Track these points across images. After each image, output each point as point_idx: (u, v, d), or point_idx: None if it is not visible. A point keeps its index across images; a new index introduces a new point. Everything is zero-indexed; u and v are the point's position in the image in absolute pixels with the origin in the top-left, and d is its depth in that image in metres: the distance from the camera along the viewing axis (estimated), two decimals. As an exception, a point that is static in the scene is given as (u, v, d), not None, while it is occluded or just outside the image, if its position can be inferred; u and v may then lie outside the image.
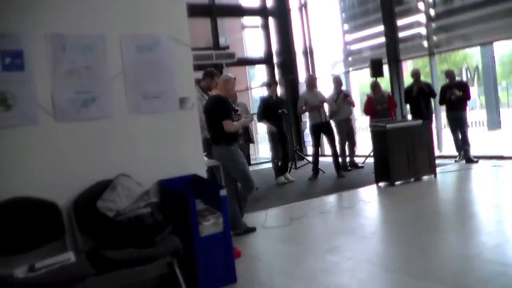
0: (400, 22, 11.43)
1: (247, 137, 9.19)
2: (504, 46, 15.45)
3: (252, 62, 14.94)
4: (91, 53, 4.31)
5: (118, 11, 4.45)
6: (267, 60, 13.87)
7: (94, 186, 4.14)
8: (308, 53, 13.81)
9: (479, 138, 11.32)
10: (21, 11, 3.99)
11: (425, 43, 11.05)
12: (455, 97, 9.34)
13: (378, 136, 8.21)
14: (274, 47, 13.90)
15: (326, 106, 9.89)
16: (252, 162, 13.60)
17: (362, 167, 10.36)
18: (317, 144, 9.94)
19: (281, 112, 9.39)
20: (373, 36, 12.27)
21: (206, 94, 6.85)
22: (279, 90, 12.83)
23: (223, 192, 4.41)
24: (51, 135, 4.07)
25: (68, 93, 4.17)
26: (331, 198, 7.78)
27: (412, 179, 8.18)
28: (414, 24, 11.36)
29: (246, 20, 15.14)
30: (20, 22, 3.98)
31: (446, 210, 6.33)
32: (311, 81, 9.95)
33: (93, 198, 4.02)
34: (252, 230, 6.13)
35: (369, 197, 7.45)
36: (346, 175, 9.60)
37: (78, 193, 4.06)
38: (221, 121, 5.76)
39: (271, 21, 13.97)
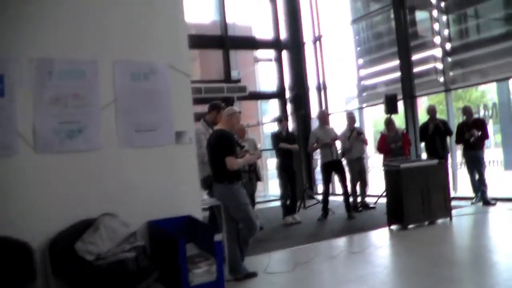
0: (415, 57, 11.11)
1: (255, 174, 8.78)
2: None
3: (264, 96, 14.60)
4: (80, 80, 4.00)
5: (112, 35, 4.15)
6: (279, 94, 13.54)
7: (75, 226, 3.78)
8: (322, 87, 13.49)
9: (496, 179, 10.81)
10: (6, 34, 3.68)
11: (441, 79, 10.68)
12: (475, 138, 8.90)
13: (392, 176, 7.77)
14: (287, 81, 13.59)
15: (338, 144, 9.48)
16: (261, 199, 13.19)
17: (373, 207, 9.87)
18: (327, 183, 9.51)
19: (292, 148, 9.00)
20: (388, 71, 11.94)
21: (212, 128, 6.47)
22: (290, 126, 12.51)
23: (218, 237, 4.01)
24: (30, 167, 3.73)
25: (52, 122, 3.84)
26: (340, 242, 7.31)
27: (426, 223, 7.69)
28: (429, 58, 11.02)
29: (260, 53, 14.86)
30: (3, 45, 3.68)
31: (463, 258, 5.83)
32: (323, 117, 9.58)
33: (72, 239, 3.66)
34: (253, 275, 5.69)
35: (380, 241, 6.98)
36: (356, 216, 9.12)
37: (56, 232, 3.68)
38: (223, 157, 5.38)
39: (284, 54, 13.71)
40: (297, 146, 9.15)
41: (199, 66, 14.55)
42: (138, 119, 4.18)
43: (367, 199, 10.29)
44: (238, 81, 12.90)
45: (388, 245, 6.81)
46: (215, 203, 5.68)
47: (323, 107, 13.27)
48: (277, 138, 9.21)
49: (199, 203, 4.48)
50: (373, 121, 15.60)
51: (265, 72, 14.69)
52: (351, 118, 9.97)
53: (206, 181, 6.14)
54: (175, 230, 4.22)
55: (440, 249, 6.22)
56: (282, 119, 9.40)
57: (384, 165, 8.23)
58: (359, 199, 10.09)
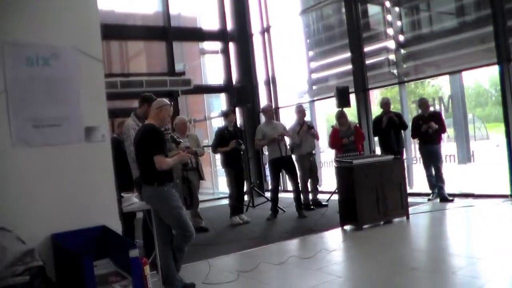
0: (367, 49, 10.62)
1: (197, 173, 8.08)
2: (469, 77, 14.79)
3: (211, 90, 13.83)
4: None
5: (1, 13, 3.37)
6: (226, 87, 12.83)
7: (-48, 246, 3.00)
8: (271, 80, 12.86)
9: (451, 174, 10.47)
10: None
11: (395, 71, 10.23)
12: (432, 130, 8.43)
13: (344, 173, 7.21)
14: (235, 74, 12.91)
15: (287, 139, 8.88)
16: (210, 197, 12.51)
17: (326, 205, 9.30)
18: (276, 180, 8.91)
19: (236, 143, 8.32)
20: (340, 63, 11.43)
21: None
22: (238, 120, 11.85)
23: (134, 253, 3.31)
24: None
25: None
26: (290, 245, 6.69)
27: (382, 222, 7.17)
28: (382, 50, 10.56)
29: (206, 45, 14.13)
30: None
31: (423, 264, 5.23)
32: (269, 112, 8.95)
33: None
34: (190, 287, 5.02)
35: (333, 244, 6.39)
36: (308, 215, 8.55)
37: None
38: (151, 156, 4.68)
39: (231, 46, 13.02)
40: (236, 144, 8.40)
41: (145, 59, 13.74)
42: (36, 113, 3.42)
43: (320, 197, 9.73)
44: (182, 74, 12.14)
45: (342, 248, 6.19)
46: (144, 207, 5.01)
47: (273, 101, 12.67)
48: (220, 134, 8.54)
49: (116, 211, 3.75)
50: (326, 115, 15.04)
51: (212, 65, 13.98)
52: (300, 111, 9.37)
53: (138, 183, 5.47)
54: (85, 244, 3.50)
55: (398, 252, 5.67)
56: (228, 113, 8.69)
57: (336, 161, 7.68)
58: (311, 197, 9.53)
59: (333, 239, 6.72)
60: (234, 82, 12.77)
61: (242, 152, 8.70)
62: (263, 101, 12.83)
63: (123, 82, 10.77)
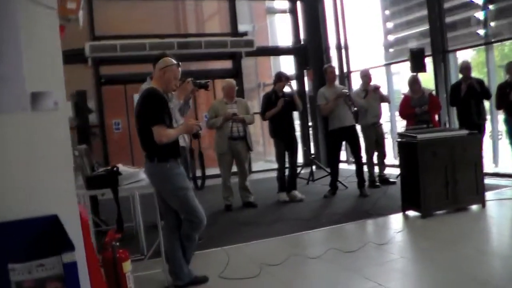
0: (448, 4, 9.00)
1: (245, 143, 7.15)
2: None
3: (276, 52, 12.68)
4: None
5: None
6: (293, 50, 11.65)
7: None
8: (342, 42, 11.48)
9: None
10: None
11: (481, 31, 8.62)
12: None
13: (407, 149, 5.98)
14: (303, 35, 11.67)
15: (348, 111, 7.61)
16: (259, 168, 11.55)
17: (394, 183, 8.04)
18: (336, 153, 7.79)
19: (284, 101, 7.24)
20: (418, 22, 9.89)
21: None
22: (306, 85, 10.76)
23: (68, 257, 2.44)
24: None
25: None
26: (335, 232, 5.62)
27: (451, 210, 5.90)
28: (465, 6, 8.93)
29: (273, 4, 12.96)
30: None
31: (496, 274, 3.95)
32: (330, 73, 7.74)
33: None
34: (201, 281, 4.17)
35: (386, 234, 5.27)
36: (371, 193, 7.40)
37: None
38: (150, 126, 3.79)
39: (300, 5, 11.75)
40: (284, 102, 7.30)
41: (207, 19, 12.88)
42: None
43: (387, 172, 8.50)
44: (245, 34, 11.12)
45: (395, 242, 4.95)
46: (147, 187, 4.18)
47: (343, 65, 11.36)
48: (267, 98, 7.51)
49: (74, 197, 2.89)
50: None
51: (280, 26, 12.84)
52: (365, 76, 8.12)
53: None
54: (30, 238, 2.70)
55: (464, 255, 4.33)
56: (280, 78, 7.61)
57: (399, 135, 6.43)
58: (377, 172, 8.33)
59: (388, 228, 5.59)
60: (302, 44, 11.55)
61: (293, 121, 7.65)
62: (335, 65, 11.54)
63: (180, 43, 9.98)
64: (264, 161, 13.16)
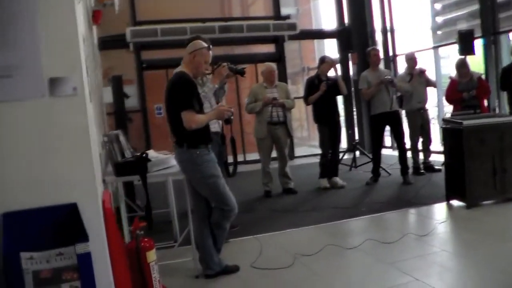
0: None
1: (285, 129, 6.97)
2: None
3: (320, 35, 12.32)
4: None
5: None
6: (337, 33, 11.30)
7: None
8: (388, 24, 11.01)
9: None
10: None
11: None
12: None
13: (452, 135, 5.65)
14: (347, 17, 11.28)
15: (393, 94, 7.28)
16: (303, 154, 11.33)
17: (439, 170, 7.67)
18: (379, 139, 7.49)
19: (326, 85, 6.99)
20: (466, 2, 9.36)
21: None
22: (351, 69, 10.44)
23: (81, 248, 2.35)
24: None
25: None
26: (375, 221, 5.38)
27: (499, 200, 5.55)
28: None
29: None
30: None
31: None
32: (374, 56, 7.40)
33: None
34: (231, 271, 4.05)
35: (427, 225, 4.99)
36: (415, 181, 7.09)
37: None
38: (179, 112, 3.67)
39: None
40: (326, 86, 6.99)
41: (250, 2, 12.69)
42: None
43: (432, 159, 8.13)
44: (287, 18, 10.85)
45: (436, 233, 4.66)
46: (176, 174, 4.07)
47: (389, 49, 10.92)
48: (310, 83, 7.27)
49: (94, 185, 2.79)
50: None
51: (324, 8, 12.47)
52: (410, 59, 7.74)
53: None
54: (48, 226, 2.63)
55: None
56: (322, 61, 7.34)
57: (444, 120, 6.09)
58: (421, 159, 7.97)
59: (430, 218, 5.31)
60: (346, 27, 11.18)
61: (337, 106, 7.40)
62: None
63: (222, 27, 9.83)
64: (308, 146, 12.94)
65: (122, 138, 4.66)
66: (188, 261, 4.13)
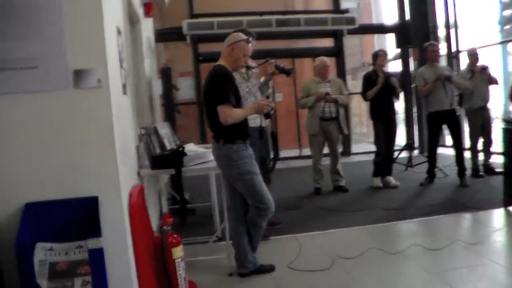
0: None
1: (338, 125, 6.74)
2: None
3: (379, 29, 11.83)
4: None
5: None
6: (397, 27, 10.80)
7: None
8: (451, 19, 10.42)
9: None
10: None
11: None
12: None
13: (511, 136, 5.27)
14: (409, 12, 10.77)
15: (451, 91, 6.87)
16: (361, 150, 10.99)
17: (500, 173, 7.18)
18: (435, 138, 7.10)
19: (384, 79, 6.70)
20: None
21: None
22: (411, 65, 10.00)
23: (93, 243, 2.28)
24: None
25: None
26: (424, 225, 5.07)
27: None
28: None
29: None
30: None
31: None
32: (431, 52, 6.99)
33: None
34: (266, 270, 3.91)
35: (479, 232, 4.62)
36: (472, 184, 6.68)
37: None
38: (215, 106, 3.54)
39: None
40: (384, 81, 6.73)
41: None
42: (1, 51, 2.50)
43: (493, 161, 7.63)
44: (346, 11, 10.51)
45: (488, 242, 4.29)
46: (213, 169, 3.97)
47: (451, 44, 10.36)
48: (367, 78, 6.98)
49: (118, 180, 2.71)
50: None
51: (385, 2, 12.00)
52: (472, 55, 7.28)
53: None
54: (70, 218, 2.59)
55: None
56: (377, 55, 7.02)
57: (503, 120, 5.66)
58: (481, 161, 7.50)
59: (485, 225, 4.92)
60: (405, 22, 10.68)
61: (393, 103, 7.07)
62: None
63: (279, 21, 9.66)
64: (367, 143, 12.59)
65: (164, 131, 4.60)
66: (223, 258, 4.02)
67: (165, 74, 5.63)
